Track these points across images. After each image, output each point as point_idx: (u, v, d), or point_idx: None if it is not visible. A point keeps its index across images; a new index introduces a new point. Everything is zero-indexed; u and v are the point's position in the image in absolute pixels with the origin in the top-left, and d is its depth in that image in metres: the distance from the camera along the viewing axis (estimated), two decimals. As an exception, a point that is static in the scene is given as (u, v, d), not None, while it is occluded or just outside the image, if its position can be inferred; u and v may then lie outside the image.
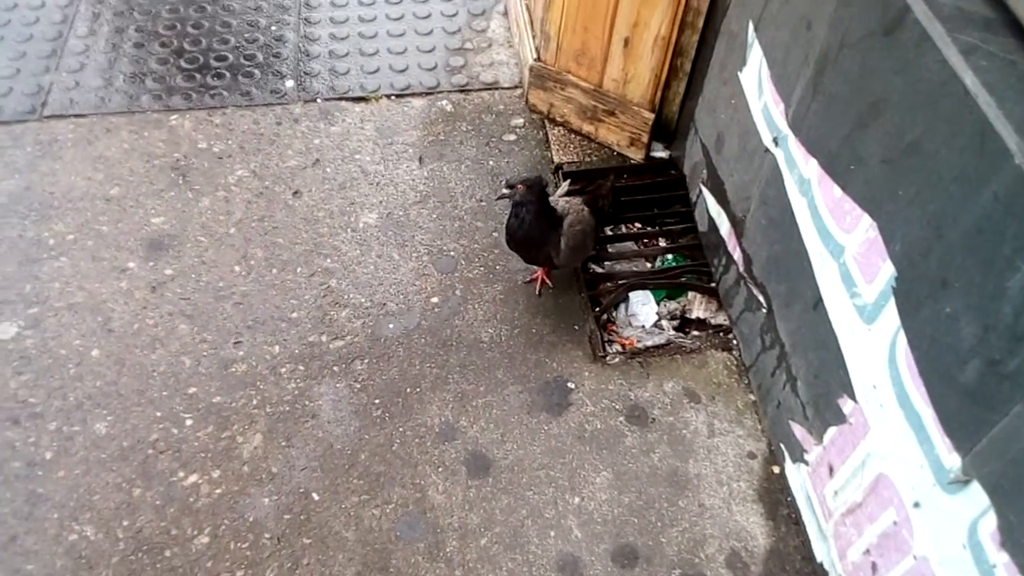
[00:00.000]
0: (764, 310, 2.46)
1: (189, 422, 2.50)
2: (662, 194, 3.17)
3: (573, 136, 3.34)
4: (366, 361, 2.66)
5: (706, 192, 2.88)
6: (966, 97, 1.53)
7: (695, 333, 2.83)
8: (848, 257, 1.97)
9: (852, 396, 1.99)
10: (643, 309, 2.92)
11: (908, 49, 1.70)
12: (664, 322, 2.89)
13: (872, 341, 1.88)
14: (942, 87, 1.60)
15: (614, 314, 2.90)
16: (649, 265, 3.05)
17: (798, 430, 2.28)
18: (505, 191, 2.49)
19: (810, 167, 2.13)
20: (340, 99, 3.45)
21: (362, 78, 3.52)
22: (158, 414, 2.52)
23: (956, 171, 1.58)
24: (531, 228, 2.52)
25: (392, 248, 2.96)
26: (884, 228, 1.82)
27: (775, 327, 2.40)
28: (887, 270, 1.81)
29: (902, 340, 1.77)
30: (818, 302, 2.13)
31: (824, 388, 2.13)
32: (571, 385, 2.62)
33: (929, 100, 1.65)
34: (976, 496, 1.57)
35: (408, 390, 2.60)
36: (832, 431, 2.10)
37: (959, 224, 1.58)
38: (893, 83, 1.76)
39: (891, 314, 1.80)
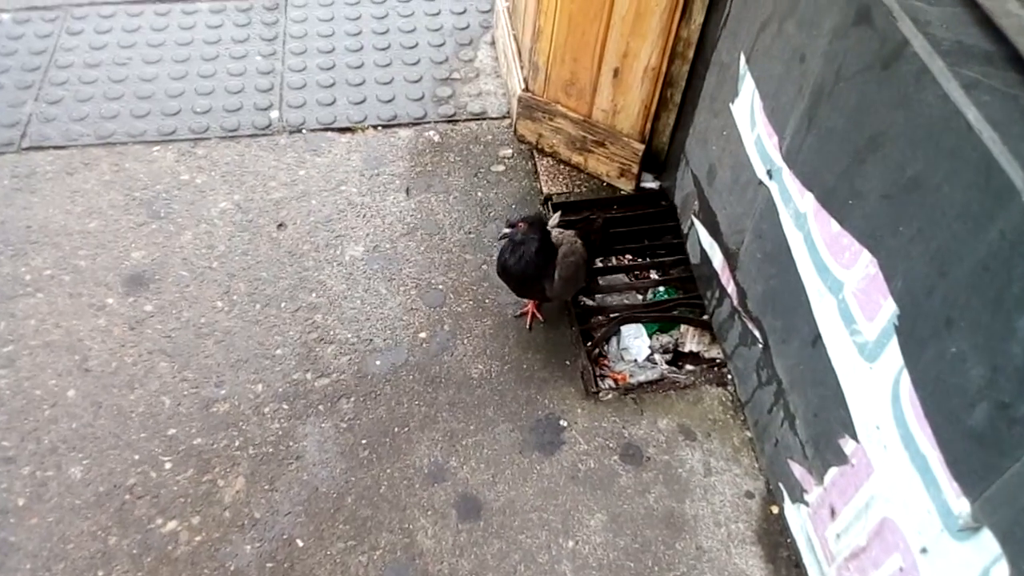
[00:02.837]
0: (760, 345, 2.41)
1: (168, 465, 2.42)
2: (653, 225, 3.12)
3: (562, 167, 3.30)
4: (352, 399, 2.59)
5: (698, 224, 2.84)
6: (969, 132, 1.49)
7: (689, 367, 2.77)
8: (847, 293, 1.92)
9: (854, 436, 1.93)
10: (635, 343, 2.86)
11: (907, 83, 1.67)
12: (657, 356, 2.83)
13: (874, 380, 1.83)
14: (944, 122, 1.57)
15: (605, 348, 2.84)
16: (640, 297, 3.00)
17: (797, 469, 2.22)
18: (507, 231, 2.43)
19: (806, 201, 2.09)
20: (326, 130, 3.40)
21: (348, 108, 3.48)
22: (136, 457, 2.43)
23: (960, 208, 1.54)
24: (529, 264, 2.47)
25: (379, 282, 2.90)
26: (885, 265, 1.78)
27: (772, 363, 2.35)
28: (888, 308, 1.76)
29: (906, 380, 1.72)
30: (816, 338, 2.08)
31: (824, 427, 2.07)
32: (563, 423, 2.56)
33: (930, 135, 1.61)
34: (987, 543, 1.52)
35: (396, 429, 2.52)
36: (833, 472, 2.04)
37: (964, 262, 1.54)
38: (892, 117, 1.73)
39: (894, 353, 1.76)
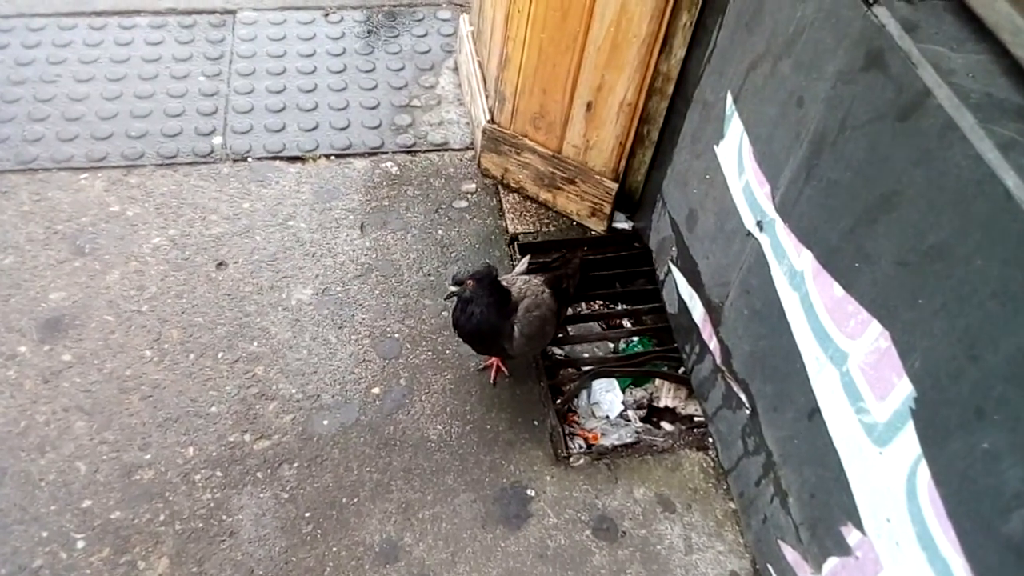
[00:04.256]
0: (746, 410, 2.21)
1: (81, 544, 2.12)
2: (626, 269, 2.91)
3: (529, 204, 3.08)
4: (296, 465, 2.31)
5: (676, 271, 2.64)
6: (1009, 201, 1.31)
7: (666, 427, 2.56)
8: (853, 366, 1.73)
9: (859, 526, 1.73)
10: (607, 397, 2.65)
11: (930, 139, 1.48)
12: (630, 412, 2.62)
13: (885, 467, 1.63)
14: (976, 186, 1.38)
15: (575, 403, 2.62)
16: (612, 347, 2.79)
17: (790, 553, 2.01)
18: (454, 289, 2.19)
19: (803, 259, 1.89)
20: (274, 158, 3.13)
21: (299, 136, 3.21)
22: (44, 534, 2.12)
23: (995, 285, 1.35)
24: (481, 323, 2.23)
25: (328, 330, 2.63)
26: (899, 339, 1.58)
27: (760, 431, 2.14)
28: (904, 388, 1.57)
29: (924, 473, 1.52)
30: (814, 411, 1.88)
31: (822, 511, 1.87)
32: (531, 492, 2.32)
33: (958, 199, 1.42)
34: (1025, 671, 1.32)
35: (344, 500, 2.26)
36: (833, 562, 1.83)
37: (1000, 347, 1.35)
38: (911, 175, 1.54)
39: (910, 439, 1.56)
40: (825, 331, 1.82)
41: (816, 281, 1.85)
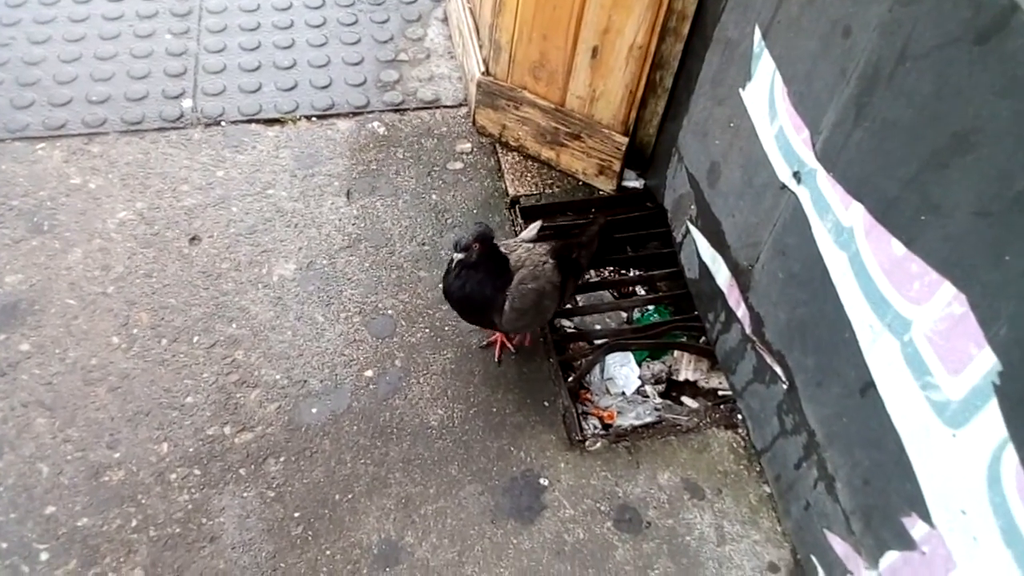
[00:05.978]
0: (783, 385, 1.98)
1: (44, 556, 1.90)
2: (638, 231, 2.67)
3: (530, 163, 2.83)
4: (282, 459, 2.09)
5: (696, 232, 2.39)
6: None
7: (689, 403, 2.34)
8: (918, 335, 1.49)
9: (926, 518, 1.51)
10: (622, 371, 2.43)
11: (1018, 63, 1.24)
12: (648, 388, 2.40)
13: (960, 452, 1.41)
14: (1085, 117, 1.14)
15: (588, 379, 2.40)
16: (625, 316, 2.56)
17: (839, 545, 1.80)
18: (460, 256, 1.95)
19: (852, 213, 1.65)
20: (249, 121, 2.86)
21: (276, 96, 2.94)
22: (3, 546, 1.91)
23: (1111, 237, 1.11)
24: (472, 292, 2.00)
25: (314, 308, 2.39)
26: (979, 304, 1.35)
27: (800, 408, 1.92)
28: (985, 360, 1.34)
29: (1011, 459, 1.30)
30: (868, 386, 1.65)
31: (879, 499, 1.65)
32: (544, 481, 2.10)
33: (1059, 134, 1.18)
34: None
35: (337, 497, 2.04)
36: (893, 557, 1.62)
37: (1118, 311, 1.11)
38: (992, 108, 1.29)
39: (993, 420, 1.33)
40: (881, 295, 1.58)
41: (869, 238, 1.61)
